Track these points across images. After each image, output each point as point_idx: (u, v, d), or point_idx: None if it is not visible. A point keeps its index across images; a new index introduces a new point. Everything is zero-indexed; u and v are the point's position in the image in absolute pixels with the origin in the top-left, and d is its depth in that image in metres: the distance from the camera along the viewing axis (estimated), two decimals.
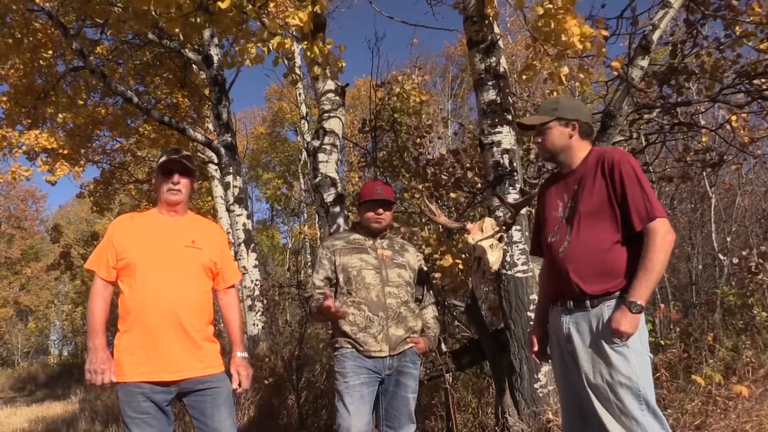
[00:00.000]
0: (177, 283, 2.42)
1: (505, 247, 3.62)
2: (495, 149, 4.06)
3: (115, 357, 2.38)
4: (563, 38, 3.49)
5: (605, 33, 3.73)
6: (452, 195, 5.98)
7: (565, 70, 3.83)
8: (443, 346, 4.22)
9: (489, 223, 3.01)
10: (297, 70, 9.50)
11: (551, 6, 3.39)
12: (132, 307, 2.39)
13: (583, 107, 2.40)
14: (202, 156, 10.21)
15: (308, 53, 3.57)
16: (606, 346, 2.09)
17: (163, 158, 2.56)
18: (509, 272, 3.89)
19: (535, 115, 2.45)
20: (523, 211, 3.82)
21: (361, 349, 2.74)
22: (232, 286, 2.70)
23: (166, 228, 2.52)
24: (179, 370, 2.38)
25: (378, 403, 2.86)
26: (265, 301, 7.73)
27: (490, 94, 4.11)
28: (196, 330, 2.44)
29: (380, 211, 2.90)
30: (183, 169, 2.53)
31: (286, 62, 3.69)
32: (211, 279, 2.58)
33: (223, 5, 3.13)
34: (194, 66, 8.72)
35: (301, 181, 20.68)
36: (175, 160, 2.52)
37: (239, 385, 2.57)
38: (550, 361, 2.46)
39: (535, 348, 2.48)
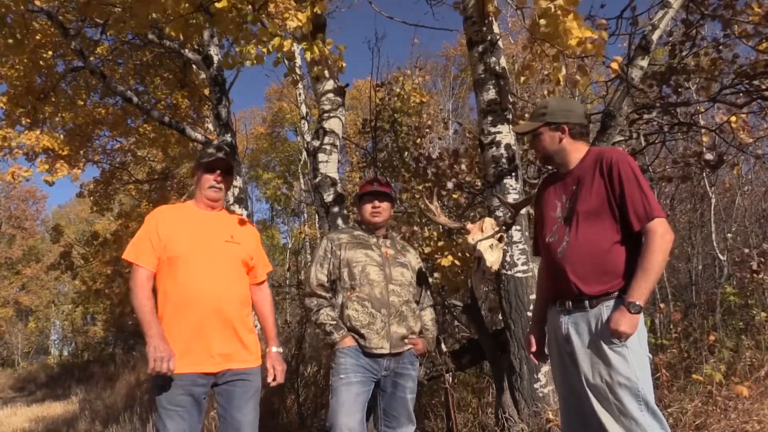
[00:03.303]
0: (220, 277, 2.47)
1: (505, 247, 3.62)
2: (495, 149, 4.07)
3: None
4: (562, 39, 3.49)
5: (605, 36, 3.72)
6: (454, 195, 5.98)
7: (563, 71, 3.84)
8: (443, 346, 4.22)
9: (489, 223, 3.01)
10: (297, 70, 9.48)
11: (552, 6, 3.38)
12: (177, 299, 2.41)
13: (574, 108, 2.40)
14: None
15: (308, 54, 3.57)
16: (605, 347, 2.09)
17: (208, 155, 2.61)
18: (509, 272, 3.89)
19: (526, 122, 2.47)
20: (523, 211, 3.82)
21: (363, 343, 2.74)
22: (265, 281, 2.77)
23: (207, 222, 2.58)
24: (222, 361, 2.42)
25: (376, 403, 2.86)
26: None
27: (490, 94, 4.11)
28: (240, 322, 2.50)
29: (377, 203, 2.93)
30: (227, 167, 2.61)
31: (286, 62, 3.69)
32: (247, 273, 2.65)
33: (220, 5, 3.13)
34: (194, 66, 8.71)
35: (301, 181, 20.67)
36: (221, 158, 2.60)
37: (274, 379, 2.62)
38: (548, 360, 2.46)
39: (533, 348, 2.49)
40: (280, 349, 2.70)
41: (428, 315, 3.03)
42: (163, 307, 2.43)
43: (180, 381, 2.34)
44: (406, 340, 2.83)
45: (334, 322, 2.78)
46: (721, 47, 4.54)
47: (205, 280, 2.43)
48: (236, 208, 8.14)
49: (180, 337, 2.38)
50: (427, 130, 7.26)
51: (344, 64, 4.04)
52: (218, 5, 3.14)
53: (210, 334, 2.40)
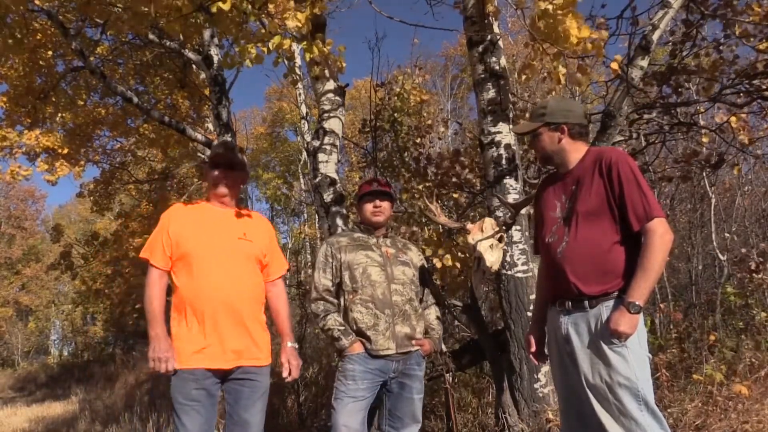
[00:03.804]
0: (233, 274, 2.49)
1: (505, 247, 3.62)
2: (495, 149, 4.07)
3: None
4: (562, 38, 3.49)
5: (605, 35, 3.72)
6: (454, 195, 5.98)
7: (563, 70, 3.84)
8: (443, 346, 4.22)
9: (489, 223, 3.01)
10: (297, 70, 9.46)
11: (551, 6, 3.38)
12: (189, 296, 2.43)
13: (573, 108, 2.39)
14: (203, 156, 10.19)
15: (308, 54, 3.56)
16: (605, 347, 2.09)
17: (212, 152, 2.69)
18: (509, 272, 3.89)
19: (526, 122, 2.48)
20: (523, 211, 3.82)
21: (369, 346, 2.74)
22: (280, 278, 2.78)
23: (218, 220, 2.59)
24: (234, 358, 2.43)
25: (381, 403, 2.86)
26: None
27: (490, 94, 4.11)
28: (253, 320, 2.51)
29: (377, 202, 2.93)
30: (229, 162, 2.63)
31: (286, 62, 3.68)
32: (261, 270, 2.65)
33: (224, 6, 3.12)
34: (194, 66, 8.70)
35: (301, 181, 20.67)
36: (224, 153, 2.64)
37: (289, 374, 2.63)
38: (548, 360, 2.46)
39: (533, 348, 2.48)
40: (296, 345, 2.70)
41: (433, 313, 3.01)
42: (179, 304, 2.46)
43: (193, 376, 2.37)
44: (413, 341, 2.82)
45: (342, 328, 2.77)
46: (721, 47, 4.54)
47: (216, 278, 2.44)
48: None
49: (194, 333, 2.40)
50: (428, 129, 7.25)
51: (344, 64, 4.03)
52: (221, 5, 3.13)
53: (222, 330, 2.42)
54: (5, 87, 7.65)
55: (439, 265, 4.00)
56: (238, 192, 2.72)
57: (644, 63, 4.02)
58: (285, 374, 2.62)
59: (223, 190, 2.61)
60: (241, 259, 2.54)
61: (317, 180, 4.61)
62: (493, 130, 4.08)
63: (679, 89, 4.60)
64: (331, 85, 4.71)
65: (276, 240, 2.83)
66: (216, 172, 2.61)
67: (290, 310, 2.96)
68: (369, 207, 2.94)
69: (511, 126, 4.09)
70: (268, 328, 2.68)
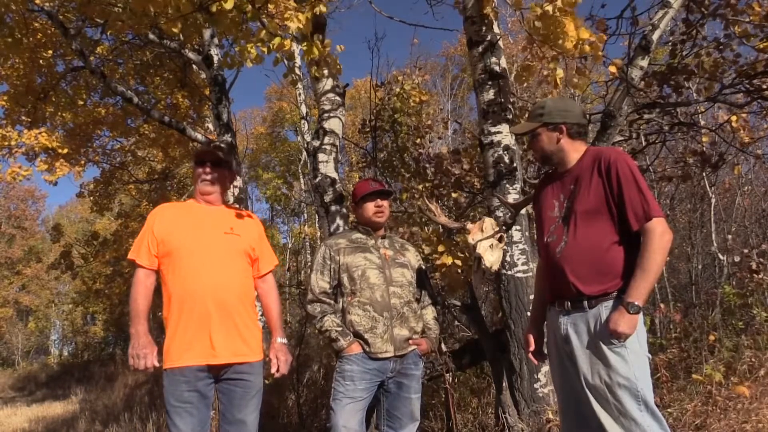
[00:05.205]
0: (221, 269, 2.47)
1: (505, 247, 3.62)
2: (495, 149, 4.07)
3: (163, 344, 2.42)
4: (560, 41, 3.50)
5: (603, 37, 3.72)
6: (453, 195, 5.97)
7: (561, 73, 3.84)
8: (443, 346, 4.22)
9: (489, 223, 3.01)
10: (297, 71, 9.47)
11: (550, 8, 3.38)
12: (177, 293, 2.42)
13: (571, 108, 2.38)
14: None
15: (308, 55, 3.56)
16: (604, 347, 2.09)
17: (197, 150, 2.70)
18: (509, 272, 3.89)
19: (524, 122, 2.48)
20: (523, 211, 3.82)
21: (367, 349, 2.74)
22: (270, 273, 2.75)
23: (204, 216, 2.58)
24: (224, 354, 2.42)
25: (379, 403, 2.86)
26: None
27: (490, 94, 4.12)
28: (242, 315, 2.49)
29: (379, 202, 2.92)
30: (215, 160, 2.61)
31: (286, 62, 3.68)
32: (250, 265, 2.63)
33: (226, 5, 3.12)
34: (194, 66, 8.70)
35: (301, 181, 20.66)
36: (207, 150, 2.62)
37: (277, 370, 2.63)
38: (547, 360, 2.46)
39: (531, 347, 2.48)
40: (285, 340, 2.69)
41: (430, 313, 3.02)
42: (168, 302, 2.45)
43: (183, 377, 2.35)
44: (410, 341, 2.83)
45: (340, 329, 2.77)
46: (722, 47, 4.54)
47: (203, 273, 2.43)
48: None
49: (183, 330, 2.39)
50: (427, 129, 7.25)
51: (340, 66, 4.04)
52: (225, 5, 3.13)
53: (210, 326, 2.40)
54: (5, 87, 7.65)
55: (447, 261, 3.99)
56: (225, 190, 2.70)
57: (644, 63, 4.01)
58: (273, 370, 2.61)
59: (207, 188, 2.60)
60: (230, 254, 2.53)
61: (317, 180, 4.61)
62: (492, 130, 4.08)
63: (679, 89, 4.59)
64: (331, 85, 4.71)
65: (265, 235, 2.81)
66: (200, 170, 2.59)
67: (291, 309, 2.95)
68: (371, 207, 2.92)
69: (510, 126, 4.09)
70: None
